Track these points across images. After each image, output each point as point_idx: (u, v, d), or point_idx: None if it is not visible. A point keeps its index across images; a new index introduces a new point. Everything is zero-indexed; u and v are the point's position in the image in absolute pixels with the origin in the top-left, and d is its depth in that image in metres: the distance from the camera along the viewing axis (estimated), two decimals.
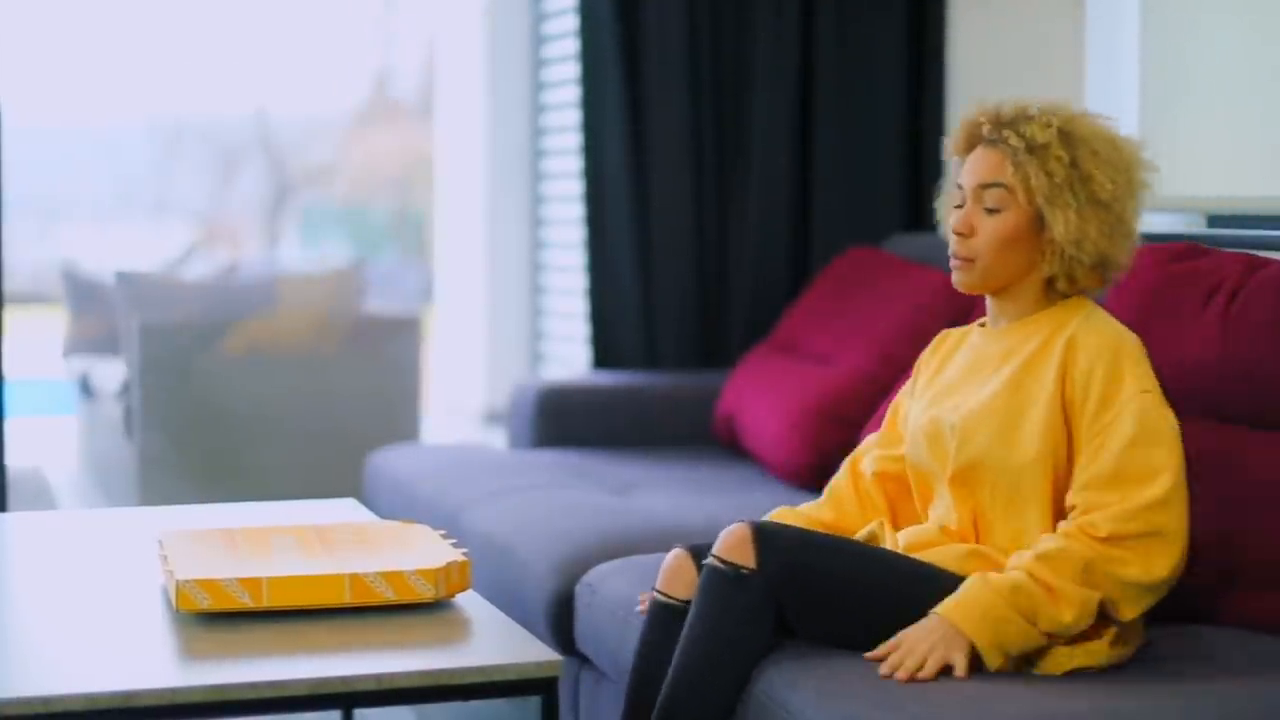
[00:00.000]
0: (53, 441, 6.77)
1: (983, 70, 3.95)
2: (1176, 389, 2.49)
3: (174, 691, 1.91)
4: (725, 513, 3.10)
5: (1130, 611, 2.11)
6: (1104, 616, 2.12)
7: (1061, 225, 2.19)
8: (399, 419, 5.26)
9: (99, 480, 5.94)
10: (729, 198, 4.31)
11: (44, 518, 3.18)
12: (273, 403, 5.18)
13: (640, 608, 2.38)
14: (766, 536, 2.14)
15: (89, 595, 2.34)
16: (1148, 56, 3.36)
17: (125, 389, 5.26)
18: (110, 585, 2.39)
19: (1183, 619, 2.38)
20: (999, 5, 3.89)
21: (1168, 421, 2.14)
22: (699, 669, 2.13)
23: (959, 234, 2.24)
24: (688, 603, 2.20)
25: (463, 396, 5.55)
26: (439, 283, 5.82)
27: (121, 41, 7.95)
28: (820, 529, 2.40)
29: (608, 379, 4.20)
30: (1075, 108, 2.25)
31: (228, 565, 2.28)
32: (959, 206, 2.27)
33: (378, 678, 1.97)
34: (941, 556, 2.21)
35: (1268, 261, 2.53)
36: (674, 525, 3.06)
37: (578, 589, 2.83)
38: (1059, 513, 2.17)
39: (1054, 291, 2.26)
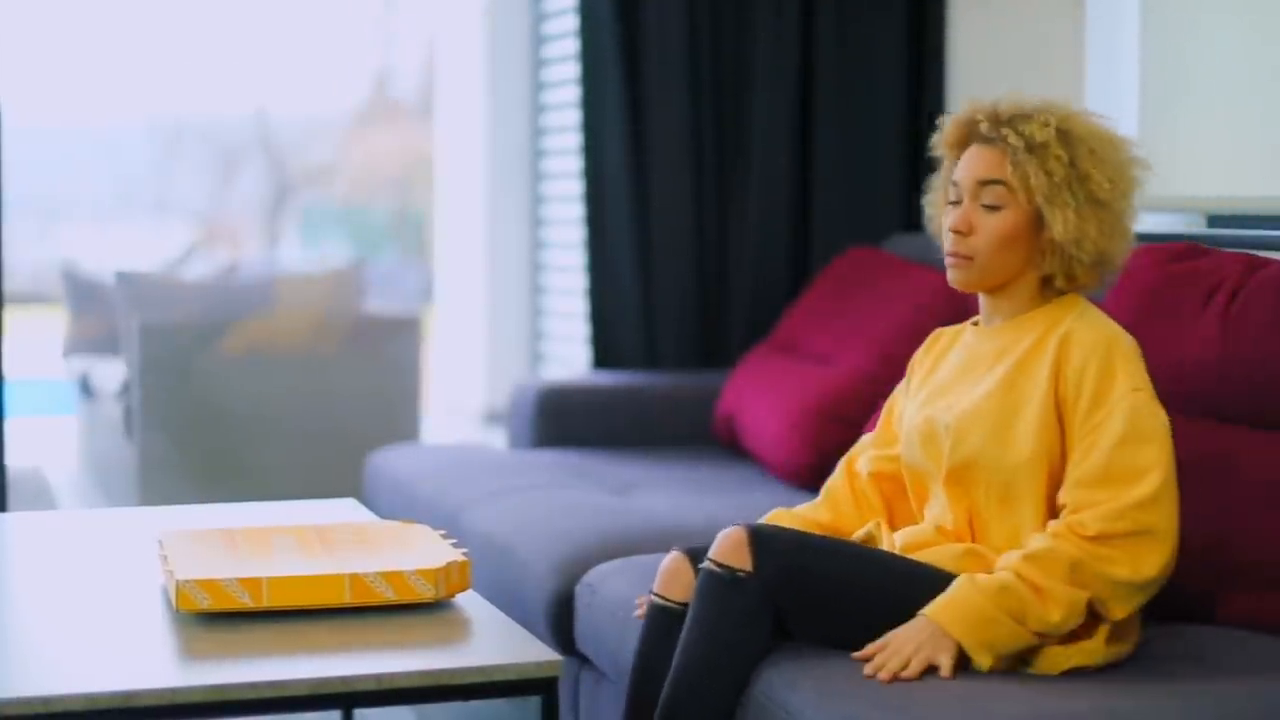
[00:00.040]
0: (53, 441, 6.77)
1: (983, 70, 3.96)
2: (1176, 389, 2.49)
3: (174, 691, 1.91)
4: (725, 513, 3.10)
5: (1120, 611, 2.10)
6: (1096, 615, 2.12)
7: (1061, 224, 2.19)
8: (399, 419, 5.26)
9: (99, 480, 5.94)
10: (729, 198, 4.31)
11: (44, 518, 3.18)
12: (273, 403, 5.18)
13: (638, 612, 2.37)
14: (763, 540, 2.14)
15: (89, 595, 2.34)
16: (1148, 56, 3.36)
17: (125, 389, 5.26)
18: (110, 585, 2.39)
19: (1182, 619, 2.38)
20: (999, 5, 3.89)
21: (1159, 420, 2.14)
22: (698, 673, 2.13)
23: (958, 232, 2.24)
24: (685, 605, 2.20)
25: (463, 396, 5.55)
26: (439, 283, 5.82)
27: (121, 41, 7.95)
28: (817, 530, 2.40)
29: (608, 379, 4.20)
30: (1069, 105, 2.25)
31: (228, 565, 2.28)
32: (955, 203, 2.27)
33: (378, 678, 1.97)
34: (938, 556, 2.21)
35: (1268, 261, 2.53)
36: (674, 525, 3.06)
37: (578, 589, 2.83)
38: (1054, 511, 2.18)
39: (1048, 290, 2.27)
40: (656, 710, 2.16)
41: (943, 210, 2.34)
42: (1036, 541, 2.11)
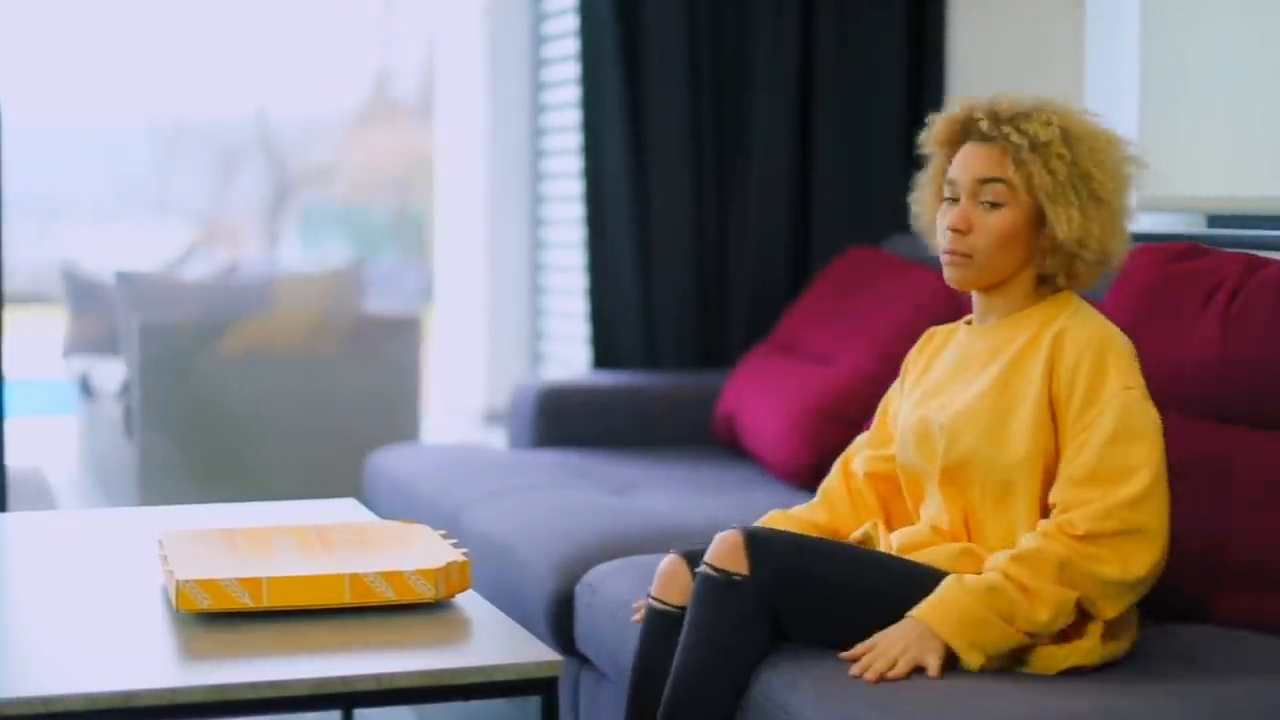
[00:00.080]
0: (53, 441, 6.77)
1: (983, 70, 3.96)
2: (1176, 389, 2.49)
3: (174, 691, 1.91)
4: (725, 513, 3.10)
5: (1111, 610, 2.10)
6: (1088, 615, 2.11)
7: (1066, 223, 2.19)
8: (399, 419, 5.26)
9: (99, 480, 5.94)
10: (729, 198, 4.31)
11: (44, 518, 3.18)
12: (273, 403, 5.18)
13: (636, 616, 2.37)
14: (758, 543, 2.14)
15: (89, 595, 2.34)
16: (1148, 56, 3.36)
17: (125, 389, 5.26)
18: (110, 585, 2.39)
19: (1182, 619, 2.38)
20: (999, 5, 3.89)
21: (1150, 418, 2.14)
22: (696, 676, 2.13)
23: (957, 230, 2.23)
24: (683, 608, 2.20)
25: (463, 396, 5.55)
26: (439, 283, 5.82)
27: (121, 41, 7.95)
28: (814, 531, 2.40)
29: (608, 379, 4.20)
30: (1064, 104, 2.25)
31: (228, 565, 2.28)
32: (952, 201, 2.26)
33: (378, 678, 1.97)
34: (935, 556, 2.21)
35: (1268, 261, 2.53)
36: (674, 525, 3.06)
37: (578, 589, 2.83)
38: (1048, 510, 2.18)
39: (1043, 288, 2.27)
40: (658, 714, 2.16)
41: (932, 208, 2.34)
42: (1026, 541, 2.11)
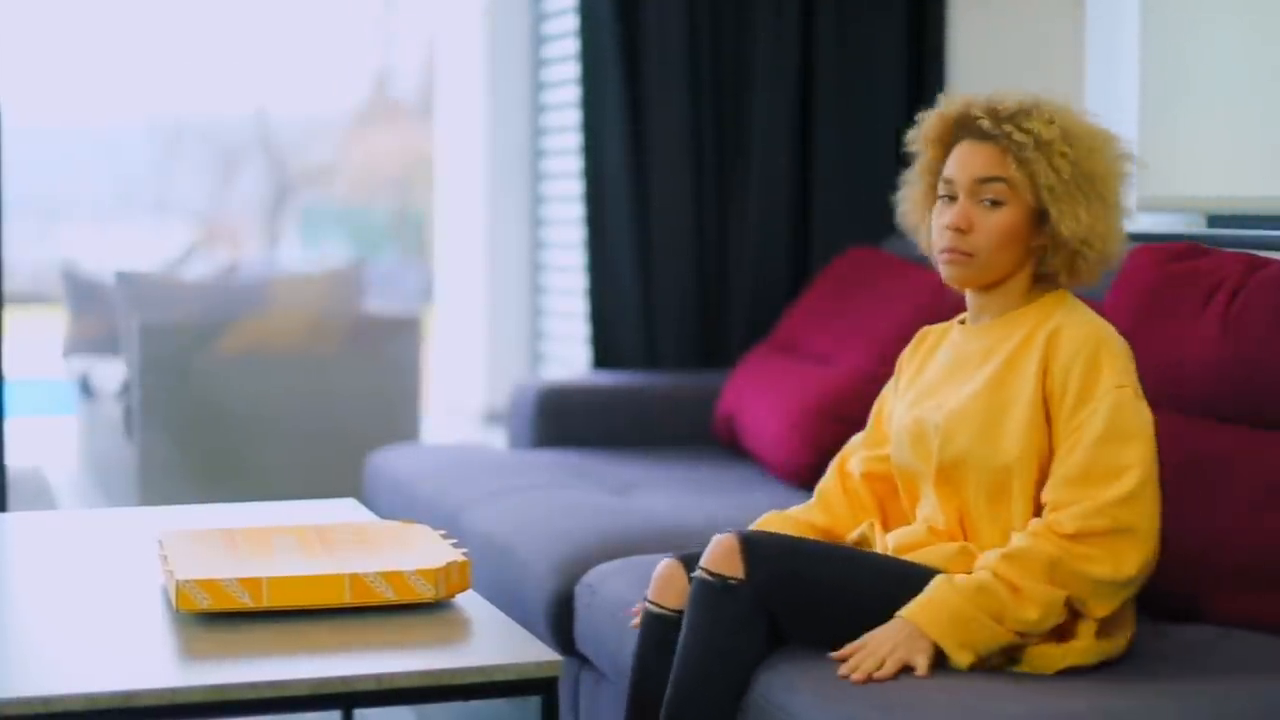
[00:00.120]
0: (53, 441, 6.77)
1: (983, 70, 3.95)
2: (1176, 389, 2.49)
3: (174, 691, 1.91)
4: (725, 513, 3.10)
5: (1101, 609, 2.10)
6: (1080, 614, 2.11)
7: (1072, 221, 2.19)
8: (399, 419, 5.26)
9: (99, 480, 5.94)
10: (729, 198, 4.31)
11: (44, 518, 3.18)
12: (273, 403, 5.18)
13: (634, 624, 2.37)
14: (753, 546, 2.14)
15: (89, 595, 2.34)
16: (1148, 56, 3.36)
17: (125, 389, 5.26)
18: (110, 585, 2.39)
19: (1181, 619, 2.38)
20: (999, 5, 3.89)
21: (1142, 418, 2.14)
22: (695, 681, 2.13)
23: (958, 229, 2.23)
24: (680, 612, 2.20)
25: (463, 396, 5.55)
26: (439, 283, 5.82)
27: (121, 41, 7.95)
28: (812, 533, 2.40)
29: (608, 379, 4.20)
30: (1057, 101, 2.25)
31: (228, 565, 2.28)
32: (949, 199, 2.25)
33: (378, 678, 1.97)
34: (930, 557, 2.21)
35: (1268, 261, 2.53)
36: (674, 525, 3.06)
37: (578, 589, 2.83)
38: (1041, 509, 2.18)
39: (1037, 287, 2.26)
40: (659, 718, 2.16)
41: (922, 206, 2.33)
42: (1016, 540, 2.11)
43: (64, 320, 6.75)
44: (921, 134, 2.33)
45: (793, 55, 4.19)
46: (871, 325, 3.60)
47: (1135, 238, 2.88)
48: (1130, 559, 2.09)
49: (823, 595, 2.15)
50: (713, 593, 2.13)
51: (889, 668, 2.05)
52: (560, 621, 2.86)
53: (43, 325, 7.14)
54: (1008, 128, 2.21)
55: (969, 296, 2.31)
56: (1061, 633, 2.12)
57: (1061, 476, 2.12)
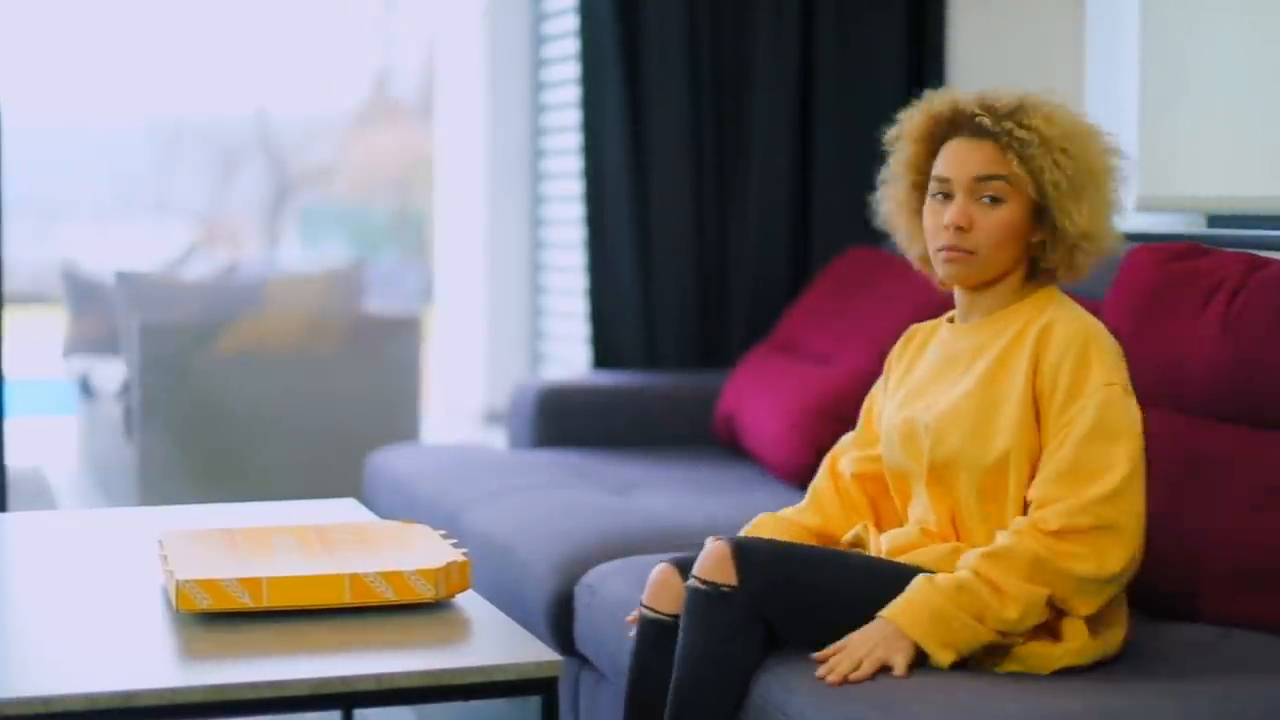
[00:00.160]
0: (53, 441, 6.77)
1: (983, 70, 3.95)
2: (1176, 389, 2.49)
3: (174, 691, 1.91)
4: (725, 513, 3.10)
5: (1084, 607, 2.10)
6: (1064, 613, 2.11)
7: (1076, 218, 2.18)
8: (399, 419, 5.26)
9: (99, 480, 5.94)
10: (729, 198, 4.31)
11: (44, 518, 3.18)
12: (272, 403, 5.18)
13: (630, 633, 2.37)
14: (746, 553, 2.14)
15: (89, 595, 2.34)
16: (1148, 56, 3.36)
17: (125, 389, 5.26)
18: (110, 585, 2.39)
19: (1180, 618, 2.38)
20: (999, 5, 3.89)
21: (1130, 416, 2.14)
22: (694, 689, 2.13)
23: (960, 227, 2.22)
24: (676, 617, 2.20)
25: (463, 396, 5.55)
26: (439, 283, 5.82)
27: (121, 41, 7.95)
28: (805, 534, 2.40)
29: (608, 379, 4.20)
30: (1046, 97, 2.24)
31: (228, 565, 2.28)
32: (944, 198, 2.24)
33: (378, 678, 1.97)
34: (924, 558, 2.21)
35: (1268, 261, 2.53)
36: (674, 525, 3.06)
37: (577, 589, 2.83)
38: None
39: (1029, 283, 2.26)
40: None
41: (908, 204, 2.32)
42: (1000, 539, 2.11)
43: (64, 320, 6.75)
44: (905, 131, 2.32)
45: (793, 55, 4.19)
46: (871, 325, 3.60)
47: (1135, 238, 2.88)
48: (1114, 556, 2.08)
49: (816, 599, 2.15)
50: (707, 601, 2.13)
51: (866, 668, 2.05)
52: (560, 621, 2.86)
53: (43, 325, 7.14)
54: (1008, 125, 2.20)
55: (959, 295, 2.30)
56: (1055, 632, 2.12)
57: (1048, 473, 2.12)
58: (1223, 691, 2.04)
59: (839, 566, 2.19)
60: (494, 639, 2.14)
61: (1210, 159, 3.22)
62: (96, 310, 6.55)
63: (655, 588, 2.27)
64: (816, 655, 2.10)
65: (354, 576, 2.19)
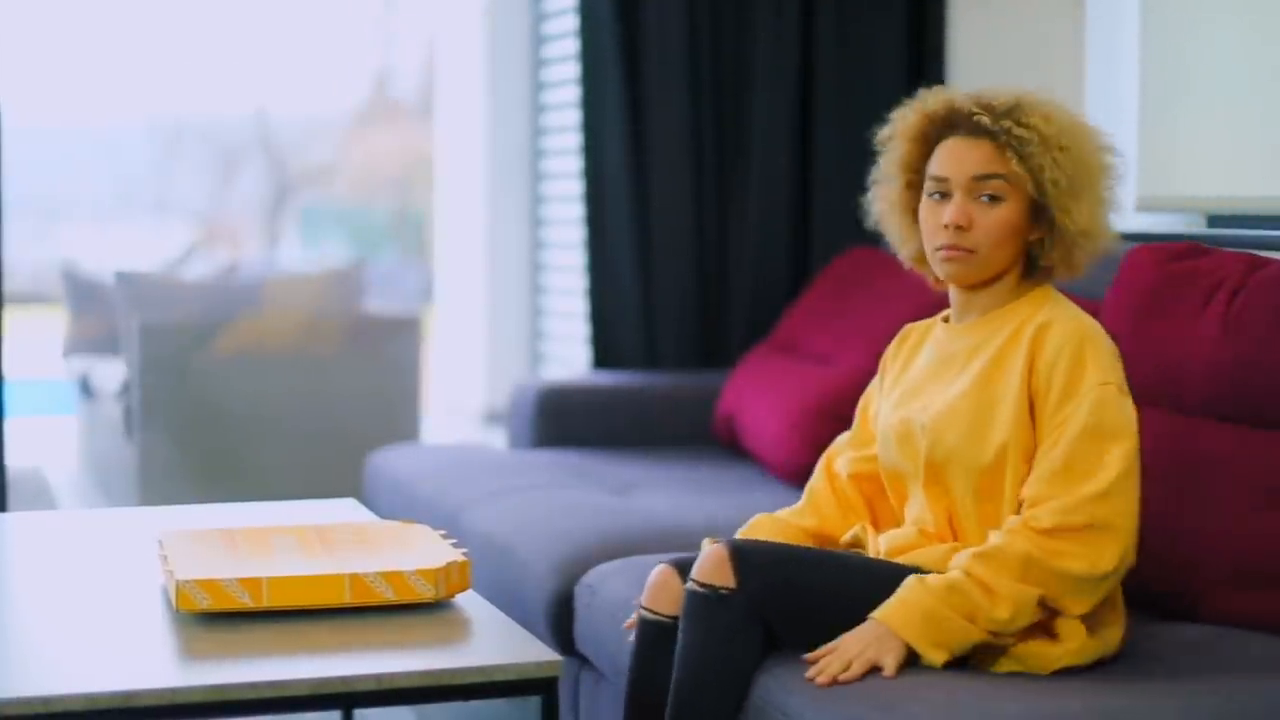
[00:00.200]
0: (53, 441, 6.77)
1: (983, 70, 3.95)
2: (1176, 389, 2.49)
3: (174, 691, 1.91)
4: (725, 513, 3.10)
5: (1077, 606, 2.10)
6: (1057, 613, 2.11)
7: (1075, 215, 2.18)
8: (399, 419, 5.26)
9: (99, 480, 5.94)
10: (729, 198, 4.31)
11: (44, 518, 3.18)
12: (272, 403, 5.18)
13: (631, 638, 2.37)
14: (744, 555, 2.14)
15: (89, 595, 2.34)
16: (1148, 56, 3.36)
17: (125, 389, 5.26)
18: (110, 585, 2.39)
19: (1180, 618, 2.38)
20: (999, 5, 3.89)
21: (1124, 415, 2.14)
22: (694, 692, 2.13)
23: (960, 226, 2.22)
24: (675, 618, 2.20)
25: (463, 396, 5.55)
26: (439, 283, 5.82)
27: (121, 41, 7.95)
28: (802, 535, 2.40)
29: (608, 379, 4.20)
30: (1042, 95, 2.24)
31: (228, 565, 2.28)
32: (941, 196, 2.24)
33: (378, 678, 1.97)
34: (922, 558, 2.21)
35: (1268, 261, 2.53)
36: (674, 525, 3.06)
37: (577, 589, 2.83)
38: None
39: (1024, 282, 2.26)
40: None
41: (902, 204, 2.32)
42: (992, 539, 2.11)
43: (64, 320, 6.75)
44: (898, 130, 2.31)
45: (793, 55, 4.19)
46: (871, 325, 3.60)
47: (1135, 238, 2.88)
48: (1106, 555, 2.08)
49: (815, 601, 2.15)
50: (706, 603, 2.13)
51: (855, 669, 2.05)
52: (560, 621, 2.86)
53: (43, 325, 7.14)
54: (1006, 123, 2.20)
55: (954, 294, 2.30)
56: (1053, 633, 2.11)
57: (1041, 472, 2.12)
58: (1223, 691, 2.04)
59: (837, 568, 2.19)
60: (494, 639, 2.14)
61: (1210, 159, 3.22)
62: (96, 310, 6.55)
63: (654, 589, 2.27)
64: (807, 656, 2.10)
65: (354, 576, 2.19)
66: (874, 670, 2.06)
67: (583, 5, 4.40)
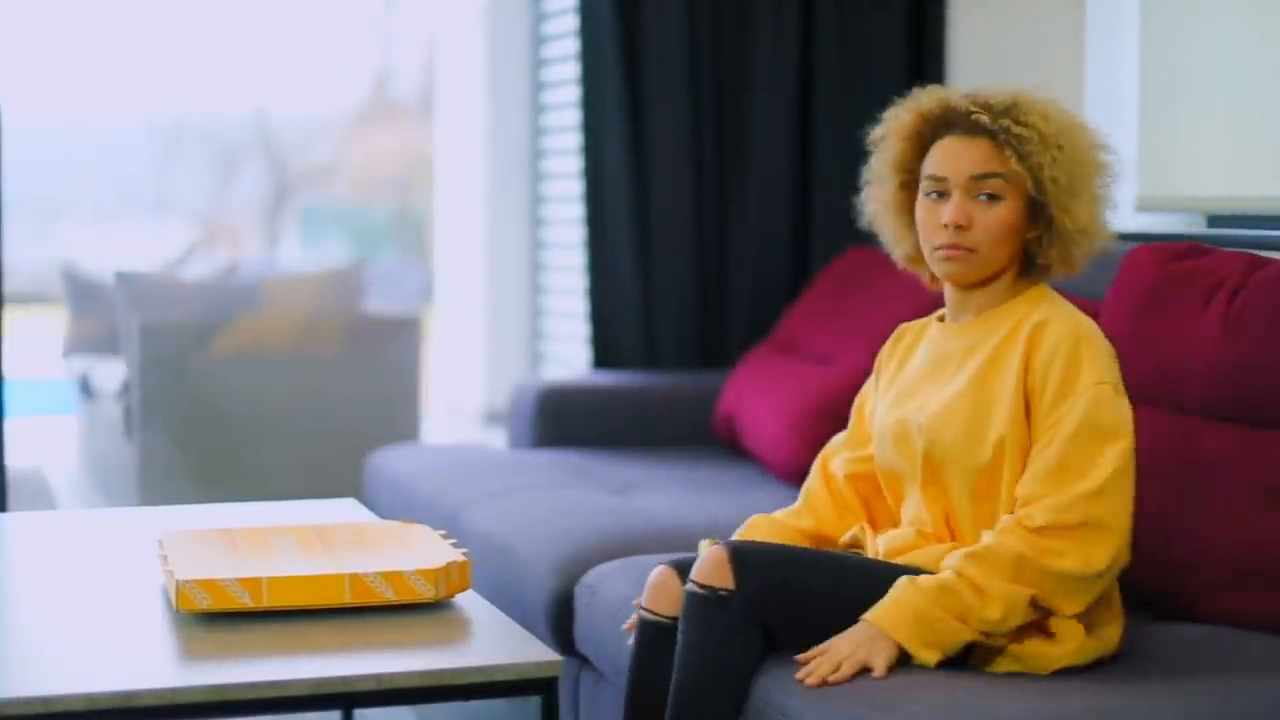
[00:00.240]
0: (53, 441, 6.77)
1: (983, 70, 3.95)
2: (1176, 389, 2.49)
3: (174, 691, 1.91)
4: (725, 513, 3.10)
5: (1069, 606, 2.09)
6: (1049, 613, 2.11)
7: (1074, 213, 2.18)
8: (399, 419, 5.26)
9: (99, 480, 5.94)
10: (729, 198, 4.31)
11: (44, 518, 3.18)
12: (272, 403, 5.18)
13: (630, 639, 2.37)
14: (743, 557, 2.14)
15: (89, 595, 2.34)
16: (1148, 56, 3.36)
17: (125, 389, 5.26)
18: (110, 585, 2.39)
19: (1180, 618, 2.38)
20: (999, 5, 3.89)
21: (1120, 414, 2.14)
22: (693, 694, 2.13)
23: (960, 226, 2.22)
24: (674, 619, 2.20)
25: (463, 396, 5.55)
26: (439, 283, 5.82)
27: (121, 41, 7.95)
28: (800, 537, 2.40)
29: (608, 379, 4.20)
30: (1037, 93, 2.24)
31: (228, 565, 2.28)
32: (939, 195, 2.24)
33: (378, 678, 1.97)
34: (921, 559, 2.21)
35: (1268, 261, 2.53)
36: (674, 525, 3.06)
37: (577, 589, 2.83)
38: None
39: (1021, 280, 2.26)
40: None
41: (894, 205, 2.32)
42: (985, 538, 2.11)
43: (64, 320, 6.75)
44: (892, 130, 2.31)
45: (793, 55, 4.19)
46: (871, 325, 3.60)
47: (1135, 238, 2.88)
48: (1099, 554, 2.08)
49: (814, 602, 2.15)
50: (705, 605, 2.13)
51: (845, 670, 2.05)
52: (560, 621, 2.86)
53: (43, 325, 7.14)
54: (1005, 122, 2.19)
55: (950, 293, 2.30)
56: (1050, 633, 2.11)
57: (1035, 470, 2.12)
58: (1223, 691, 2.04)
59: (835, 569, 2.19)
60: (494, 639, 2.14)
61: (1210, 159, 3.22)
62: (96, 310, 6.55)
63: (654, 590, 2.27)
64: (799, 658, 2.10)
65: (354, 576, 2.19)
66: (864, 671, 2.06)
67: (583, 5, 4.40)
